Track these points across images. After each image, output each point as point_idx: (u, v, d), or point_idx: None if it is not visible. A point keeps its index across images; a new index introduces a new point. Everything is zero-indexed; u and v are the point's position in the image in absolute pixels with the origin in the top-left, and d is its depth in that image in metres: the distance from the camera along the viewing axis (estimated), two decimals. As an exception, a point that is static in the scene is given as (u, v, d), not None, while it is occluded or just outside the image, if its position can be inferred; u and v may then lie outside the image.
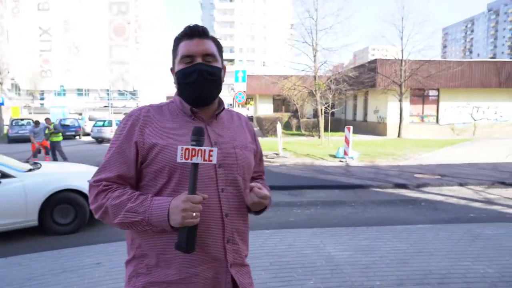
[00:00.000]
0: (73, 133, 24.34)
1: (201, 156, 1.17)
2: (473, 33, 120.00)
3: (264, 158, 9.48)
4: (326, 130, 17.97)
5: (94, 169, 6.23)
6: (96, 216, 1.29)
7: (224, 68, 1.44)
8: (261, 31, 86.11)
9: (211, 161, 1.18)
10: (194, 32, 1.34)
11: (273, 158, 12.35)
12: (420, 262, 3.92)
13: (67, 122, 24.38)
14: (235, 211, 1.34)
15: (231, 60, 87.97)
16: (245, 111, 51.49)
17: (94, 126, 22.85)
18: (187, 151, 1.16)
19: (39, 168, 5.83)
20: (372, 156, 12.90)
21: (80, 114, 34.35)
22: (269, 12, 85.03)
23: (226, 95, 25.16)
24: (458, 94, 23.01)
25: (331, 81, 19.10)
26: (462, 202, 7.18)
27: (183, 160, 1.16)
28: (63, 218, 5.35)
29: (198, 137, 1.19)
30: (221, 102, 1.44)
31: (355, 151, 12.89)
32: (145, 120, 1.32)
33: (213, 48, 1.36)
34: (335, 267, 3.82)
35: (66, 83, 47.83)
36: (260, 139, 21.51)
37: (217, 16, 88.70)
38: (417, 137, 21.30)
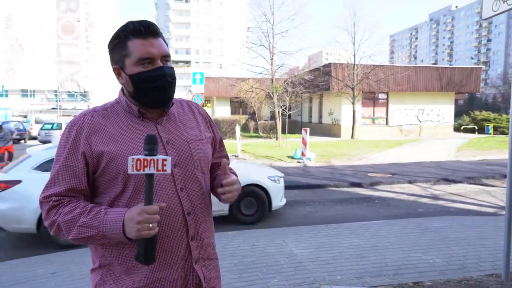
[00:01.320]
0: (18, 136, 22.76)
1: (154, 166, 1.11)
2: (417, 40, 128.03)
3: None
4: (283, 132, 18.31)
5: (264, 168, 7.01)
6: (51, 232, 1.24)
7: None
8: (218, 33, 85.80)
9: (165, 171, 1.12)
10: (149, 31, 1.25)
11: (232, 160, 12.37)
12: (377, 256, 4.14)
13: (11, 125, 22.75)
14: (198, 207, 1.32)
15: (187, 62, 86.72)
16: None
17: (41, 129, 21.57)
18: (138, 162, 1.10)
19: None
20: (328, 157, 13.35)
21: (25, 116, 32.18)
22: (225, 15, 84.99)
23: (183, 98, 24.78)
24: (405, 97, 24.48)
25: (287, 84, 19.50)
26: (412, 198, 7.67)
27: (135, 172, 1.10)
28: (247, 209, 5.93)
29: (151, 146, 1.13)
30: None
31: (312, 152, 13.26)
32: (90, 127, 1.25)
33: (166, 47, 1.30)
34: (298, 264, 3.93)
35: (8, 84, 44.56)
36: (218, 141, 21.40)
37: (173, 17, 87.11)
38: (369, 138, 22.35)
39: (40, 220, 4.66)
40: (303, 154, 12.27)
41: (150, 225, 1.10)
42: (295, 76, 22.27)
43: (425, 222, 5.47)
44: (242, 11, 75.87)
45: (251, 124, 27.81)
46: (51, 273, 3.85)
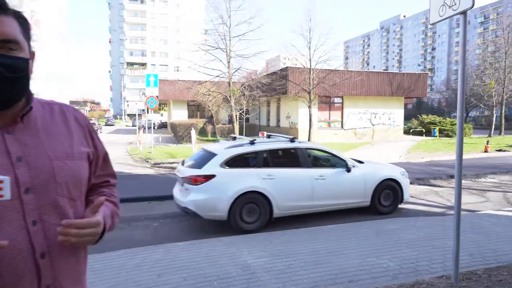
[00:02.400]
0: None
1: None
2: (370, 47, 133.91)
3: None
4: (241, 135, 18.19)
5: (392, 165, 7.62)
6: None
7: (33, 54, 1.08)
8: (175, 35, 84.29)
9: (1, 196, 0.86)
10: None
11: (188, 165, 11.98)
12: (332, 262, 4.06)
13: None
14: (57, 247, 1.01)
15: (143, 64, 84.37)
16: (159, 117, 49.69)
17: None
18: None
19: (363, 163, 6.94)
20: (285, 160, 13.33)
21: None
22: (182, 17, 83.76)
23: (137, 101, 23.99)
24: (359, 101, 25.31)
25: (245, 87, 19.42)
26: (366, 200, 7.76)
27: None
28: (385, 200, 6.63)
29: None
30: (29, 99, 1.06)
31: (269, 156, 13.21)
32: None
33: (13, 30, 0.97)
34: (251, 275, 3.74)
35: None
36: (174, 146, 20.54)
37: (127, 18, 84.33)
38: (325, 141, 22.78)
39: (230, 209, 5.50)
40: (260, 158, 12.17)
41: None
42: (252, 79, 22.25)
43: (379, 225, 5.51)
44: (200, 14, 75.13)
45: (209, 127, 27.42)
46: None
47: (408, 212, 6.75)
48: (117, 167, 12.53)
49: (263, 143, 6.26)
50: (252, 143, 6.08)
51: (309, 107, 22.74)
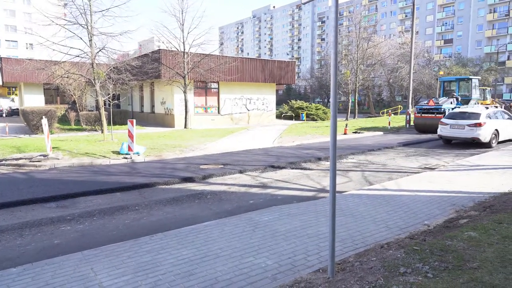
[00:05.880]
0: None
1: None
2: (243, 35, 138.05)
3: (28, 162, 7.29)
4: (111, 123, 16.35)
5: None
6: None
7: None
8: (24, 6, 71.60)
9: None
10: None
11: (39, 161, 10.02)
12: (206, 270, 3.59)
13: None
14: None
15: (-18, 39, 69.52)
16: (8, 103, 41.88)
17: None
18: None
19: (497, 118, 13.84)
20: (159, 150, 12.42)
21: None
22: (33, -15, 71.40)
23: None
24: (234, 87, 25.58)
25: (111, 70, 17.43)
26: (243, 189, 7.58)
27: None
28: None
29: None
30: None
31: (141, 146, 12.08)
32: None
33: None
34: (106, 304, 3.01)
35: None
36: (26, 137, 17.39)
37: (-46, -22, 67.67)
38: (202, 127, 22.39)
39: (490, 138, 12.77)
40: (130, 149, 10.99)
41: None
42: (120, 62, 20.16)
43: (255, 217, 5.30)
44: (56, -16, 65.09)
45: (72, 115, 24.15)
46: None
47: (283, 198, 6.77)
48: None
49: (491, 109, 13.41)
50: (486, 108, 12.65)
51: (185, 92, 21.94)
